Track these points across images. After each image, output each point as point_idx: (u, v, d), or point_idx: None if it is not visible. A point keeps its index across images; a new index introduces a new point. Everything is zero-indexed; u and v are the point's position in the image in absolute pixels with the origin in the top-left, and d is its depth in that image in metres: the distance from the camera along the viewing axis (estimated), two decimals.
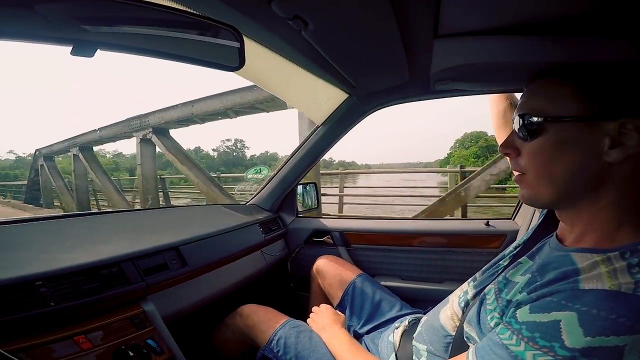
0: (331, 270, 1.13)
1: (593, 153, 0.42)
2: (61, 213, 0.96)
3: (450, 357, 0.61)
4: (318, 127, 1.24)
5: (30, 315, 0.58)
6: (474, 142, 32.65)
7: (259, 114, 6.89)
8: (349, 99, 1.11)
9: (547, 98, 0.46)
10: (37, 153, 12.02)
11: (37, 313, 0.60)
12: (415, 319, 0.86)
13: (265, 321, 0.90)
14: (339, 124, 1.20)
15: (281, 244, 1.41)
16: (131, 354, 0.66)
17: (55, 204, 12.02)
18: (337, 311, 0.96)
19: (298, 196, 1.49)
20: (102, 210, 1.06)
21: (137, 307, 0.75)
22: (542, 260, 0.49)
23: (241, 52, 0.57)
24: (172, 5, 0.51)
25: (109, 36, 0.47)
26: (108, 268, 0.72)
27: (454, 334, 0.63)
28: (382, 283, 1.15)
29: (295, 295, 1.43)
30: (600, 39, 0.57)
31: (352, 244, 1.33)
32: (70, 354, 0.61)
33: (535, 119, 0.45)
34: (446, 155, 40.68)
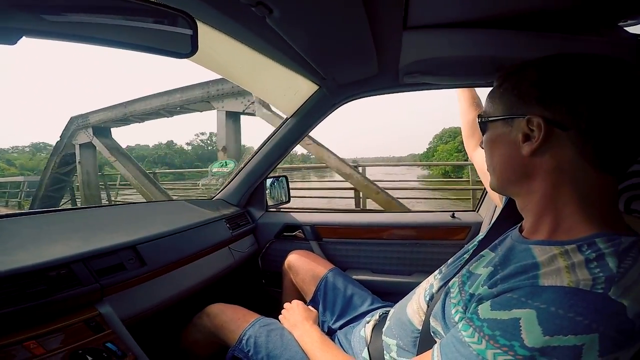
0: (303, 266, 1.13)
1: (513, 147, 0.48)
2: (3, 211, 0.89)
3: (418, 352, 0.62)
4: (287, 119, 1.24)
5: None
6: (452, 138, 33.83)
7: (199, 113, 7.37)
8: (319, 91, 1.11)
9: (490, 99, 0.53)
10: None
11: None
12: (385, 313, 0.87)
13: (234, 320, 0.89)
14: (308, 116, 1.20)
15: (250, 240, 1.40)
16: (89, 358, 0.65)
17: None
18: (309, 307, 0.96)
19: (267, 190, 1.48)
20: (50, 209, 0.99)
21: (92, 309, 0.73)
22: (503, 252, 0.51)
23: (194, 38, 0.55)
24: None
25: (41, 24, 0.43)
26: (56, 270, 0.70)
27: (420, 328, 0.64)
28: (354, 277, 1.16)
29: (268, 291, 1.43)
30: (567, 35, 0.60)
31: (323, 238, 1.34)
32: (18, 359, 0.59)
33: (480, 119, 0.54)
34: (425, 150, 42.00)
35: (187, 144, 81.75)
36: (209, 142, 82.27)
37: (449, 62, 0.81)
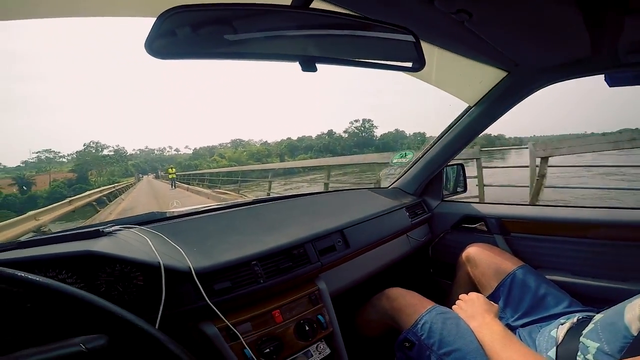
0: (485, 259, 1.13)
1: None
2: (252, 198, 1.29)
3: (623, 357, 0.61)
4: (470, 108, 1.26)
5: (248, 291, 0.74)
6: None
7: None
8: (509, 77, 1.08)
9: None
10: None
11: (253, 289, 0.75)
12: (585, 317, 0.83)
13: (412, 305, 0.94)
14: (498, 103, 1.18)
15: (425, 229, 1.46)
16: (307, 328, 0.79)
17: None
18: (490, 301, 0.97)
19: (444, 179, 1.50)
20: (280, 196, 1.37)
21: (313, 284, 0.88)
22: None
23: (419, 52, 0.61)
24: (354, 14, 0.60)
25: (325, 51, 0.58)
26: (297, 249, 0.86)
27: (636, 334, 0.62)
28: (548, 277, 1.10)
29: (435, 280, 1.47)
30: None
31: (511, 233, 1.28)
32: (268, 326, 0.75)
33: None
34: None
35: (344, 131, 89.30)
36: (362, 128, 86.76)
37: None
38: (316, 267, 0.89)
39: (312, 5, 0.52)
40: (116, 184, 25.52)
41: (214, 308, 0.67)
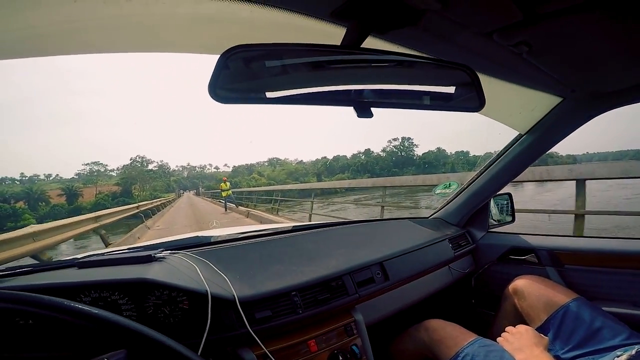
0: (535, 292, 1.12)
1: None
2: (291, 225, 1.36)
3: None
4: (521, 136, 1.22)
5: (287, 321, 0.78)
6: None
7: None
8: (565, 103, 1.05)
9: None
10: None
11: (291, 320, 0.79)
12: None
13: (452, 337, 0.96)
14: (552, 130, 1.15)
15: (468, 260, 1.44)
16: (340, 358, 0.82)
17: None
18: (539, 334, 0.95)
19: (491, 210, 1.48)
20: (318, 223, 1.38)
21: (349, 316, 0.91)
22: None
23: (479, 90, 0.61)
24: (414, 54, 0.61)
25: (379, 95, 0.59)
26: (335, 281, 0.90)
27: None
28: (605, 308, 1.06)
29: (477, 312, 1.44)
30: None
31: (565, 265, 1.24)
32: (303, 355, 0.78)
33: None
34: None
35: (382, 150, 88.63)
36: (402, 147, 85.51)
37: None
38: (353, 299, 0.92)
39: (365, 45, 0.53)
40: (155, 200, 23.49)
41: (255, 336, 0.71)
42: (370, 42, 0.55)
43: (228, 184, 14.25)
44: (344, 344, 0.85)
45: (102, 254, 0.87)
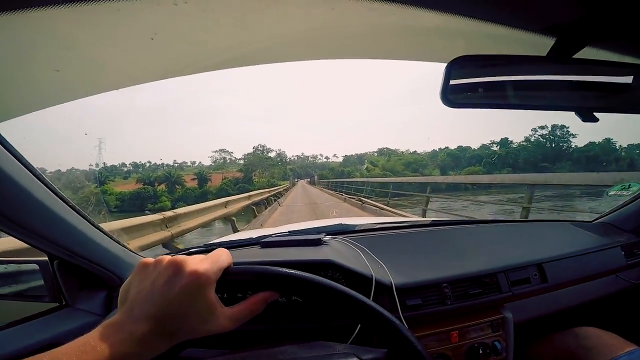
0: None
1: None
2: (430, 220, 1.43)
3: None
4: None
5: (435, 310, 0.86)
6: None
7: None
8: None
9: None
10: None
11: (439, 310, 0.85)
12: None
13: (608, 345, 0.92)
14: None
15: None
16: (480, 351, 0.86)
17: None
18: None
19: None
20: (463, 219, 1.44)
21: (498, 312, 0.94)
22: None
23: None
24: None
25: (601, 101, 0.60)
26: (489, 277, 0.95)
27: None
28: None
29: None
30: None
31: None
32: (443, 344, 0.84)
33: None
34: None
35: (526, 140, 76.54)
36: (551, 137, 71.94)
37: None
38: (505, 297, 0.96)
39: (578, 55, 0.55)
40: (273, 188, 24.17)
41: (403, 322, 0.76)
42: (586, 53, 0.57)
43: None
44: (486, 338, 0.89)
45: (277, 235, 1.10)
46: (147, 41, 0.53)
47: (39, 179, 0.65)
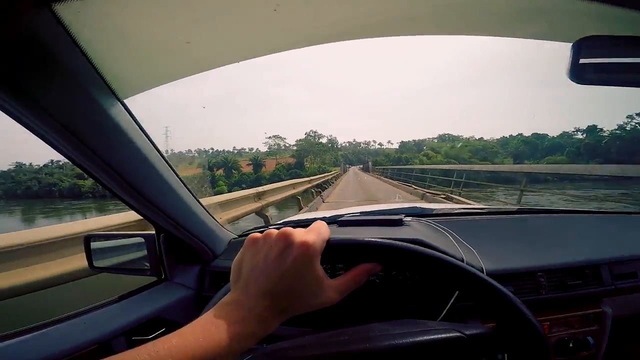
0: None
1: None
2: (516, 207, 1.42)
3: None
4: None
5: (527, 299, 0.80)
6: None
7: None
8: None
9: None
10: None
11: (532, 299, 0.82)
12: None
13: None
14: None
15: None
16: (570, 345, 0.82)
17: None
18: None
19: None
20: (544, 208, 1.31)
21: (596, 306, 0.88)
22: None
23: None
24: None
25: None
26: (591, 269, 0.89)
27: None
28: None
29: None
30: None
31: None
32: None
33: None
34: None
35: (619, 128, 66.99)
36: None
37: None
38: (607, 290, 0.90)
39: None
40: (322, 175, 22.18)
41: None
42: None
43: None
44: (578, 332, 0.85)
45: (350, 215, 1.08)
46: (270, 13, 0.55)
47: (160, 153, 0.71)
